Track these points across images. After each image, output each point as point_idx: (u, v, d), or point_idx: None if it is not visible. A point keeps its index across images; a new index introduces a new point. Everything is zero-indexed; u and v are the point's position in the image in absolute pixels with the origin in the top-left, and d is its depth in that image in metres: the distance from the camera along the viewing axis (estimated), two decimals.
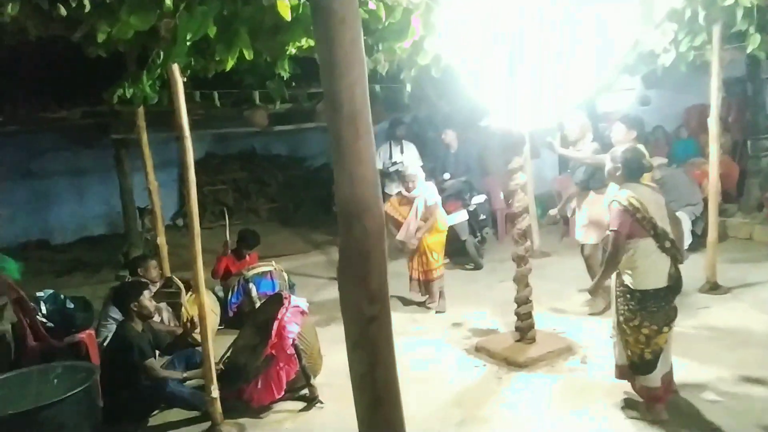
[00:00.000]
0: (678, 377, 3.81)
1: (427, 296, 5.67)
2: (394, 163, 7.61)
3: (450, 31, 4.07)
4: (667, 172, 6.80)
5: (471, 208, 7.03)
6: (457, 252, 7.12)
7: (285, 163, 11.01)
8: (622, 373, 3.52)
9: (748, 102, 7.86)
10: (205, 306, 4.96)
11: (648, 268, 3.28)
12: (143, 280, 4.63)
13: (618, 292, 3.39)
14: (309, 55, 4.90)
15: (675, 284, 3.30)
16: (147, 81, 4.19)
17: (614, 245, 3.28)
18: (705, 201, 5.97)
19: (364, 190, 1.90)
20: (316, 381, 4.14)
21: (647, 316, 3.28)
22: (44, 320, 4.27)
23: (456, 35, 4.07)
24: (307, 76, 6.74)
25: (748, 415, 3.34)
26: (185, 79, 3.45)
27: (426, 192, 5.53)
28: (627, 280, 3.32)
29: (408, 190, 5.54)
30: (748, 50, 4.99)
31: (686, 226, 6.42)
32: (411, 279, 5.67)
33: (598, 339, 4.46)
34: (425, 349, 4.71)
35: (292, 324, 3.77)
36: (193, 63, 4.72)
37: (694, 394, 3.62)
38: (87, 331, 4.32)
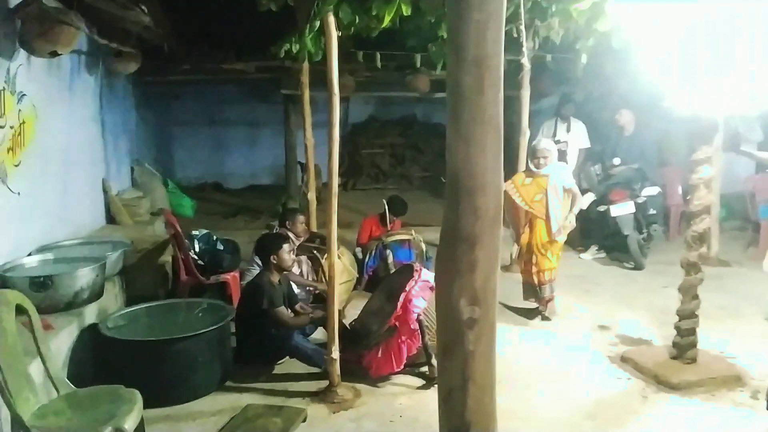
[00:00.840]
0: None
1: (538, 304, 4.82)
2: (558, 142, 7.03)
3: None
4: None
5: (640, 200, 6.27)
6: (617, 247, 6.45)
7: (443, 132, 10.72)
8: None
9: None
10: (341, 266, 5.08)
11: None
12: (287, 233, 4.77)
13: None
14: None
15: None
16: (308, 35, 4.21)
17: None
18: None
19: (481, 159, 1.54)
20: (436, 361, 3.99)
21: None
22: (196, 258, 4.59)
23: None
24: None
25: None
26: (339, 34, 3.36)
27: (560, 173, 4.69)
28: None
29: (537, 166, 4.62)
30: None
31: None
32: (523, 284, 4.83)
33: None
34: (564, 350, 4.29)
35: (419, 298, 3.62)
36: (357, 21, 4.69)
37: None
38: (232, 273, 4.58)
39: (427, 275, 3.87)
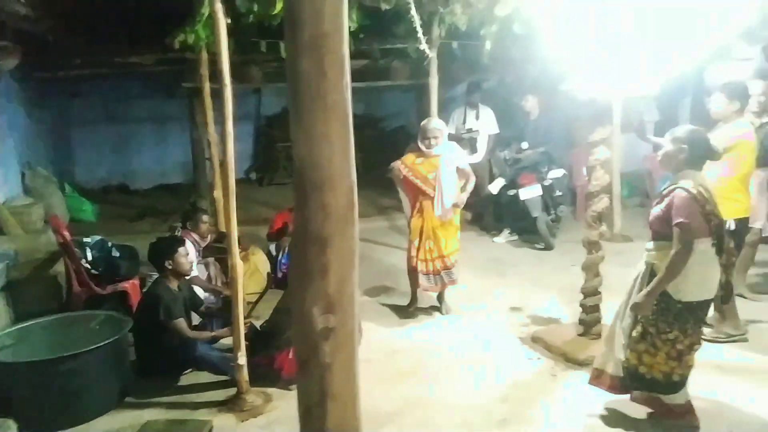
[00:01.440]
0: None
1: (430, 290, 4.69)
2: (469, 130, 7.12)
3: None
4: None
5: (546, 183, 6.45)
6: (528, 229, 6.61)
7: (360, 122, 10.65)
8: (614, 385, 3.08)
9: None
10: (250, 266, 4.90)
11: (701, 276, 2.78)
12: (189, 234, 4.53)
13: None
14: (376, 6, 4.54)
15: (725, 294, 2.86)
16: (200, 23, 3.98)
17: (684, 240, 2.72)
18: None
19: (326, 151, 1.38)
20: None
21: (684, 331, 2.83)
22: (89, 267, 4.27)
23: None
24: (379, 30, 6.36)
25: None
26: (229, 20, 3.17)
27: (452, 152, 4.56)
28: (670, 288, 2.79)
29: (428, 146, 4.44)
30: None
31: None
32: (418, 272, 4.59)
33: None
34: (478, 333, 4.34)
35: None
36: (255, 8, 4.48)
37: None
38: (131, 281, 4.30)
39: None
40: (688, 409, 3.01)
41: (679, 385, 2.93)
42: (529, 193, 6.34)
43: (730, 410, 3.19)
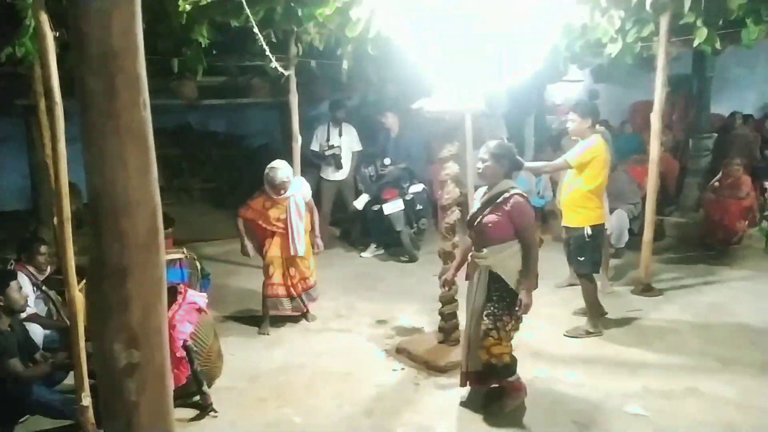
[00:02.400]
0: (606, 387, 3.61)
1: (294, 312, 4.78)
2: (332, 147, 7.18)
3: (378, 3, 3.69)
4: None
5: (408, 198, 6.68)
6: (393, 243, 6.80)
7: (222, 140, 10.42)
8: (469, 378, 3.41)
9: (693, 100, 7.77)
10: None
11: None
12: (25, 267, 4.10)
13: (495, 297, 3.20)
14: (226, 21, 4.45)
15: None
16: (25, 36, 3.64)
17: (532, 239, 3.17)
18: (644, 199, 5.80)
19: (122, 175, 1.29)
20: (216, 385, 3.75)
21: (516, 317, 3.22)
22: None
23: (385, 6, 3.69)
24: (236, 46, 6.23)
25: None
26: (56, 34, 2.93)
27: (299, 189, 4.65)
28: (508, 280, 3.16)
29: (278, 194, 4.50)
30: (695, 44, 4.80)
31: (624, 224, 6.29)
32: (280, 298, 4.66)
33: (527, 345, 4.21)
34: (342, 348, 4.36)
35: (184, 323, 3.35)
36: None
37: (618, 406, 3.40)
38: None
39: (194, 296, 3.61)
40: (521, 385, 3.38)
41: (515, 363, 3.33)
42: (393, 207, 6.52)
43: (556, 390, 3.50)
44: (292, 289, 4.68)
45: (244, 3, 3.45)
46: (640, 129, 8.56)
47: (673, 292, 5.26)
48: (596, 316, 4.43)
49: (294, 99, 5.94)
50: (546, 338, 4.34)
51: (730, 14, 4.52)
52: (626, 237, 6.30)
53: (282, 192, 4.49)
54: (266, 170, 4.51)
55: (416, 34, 3.73)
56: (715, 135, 7.78)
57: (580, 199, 4.27)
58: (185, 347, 3.33)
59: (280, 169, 4.46)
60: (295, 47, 5.61)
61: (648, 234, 5.19)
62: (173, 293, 3.60)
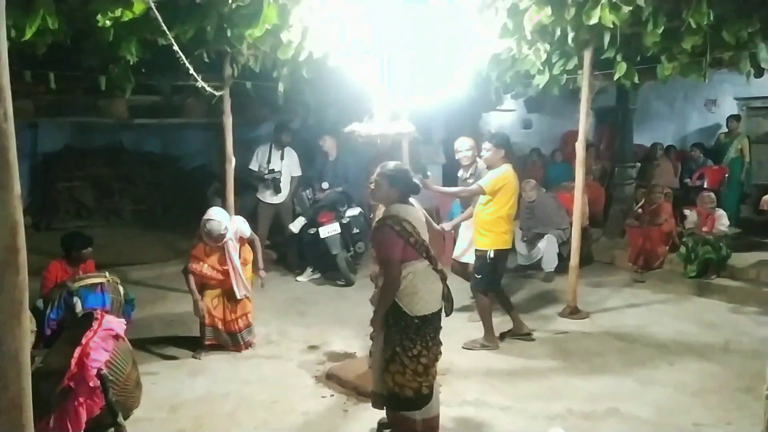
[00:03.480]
0: (532, 410, 3.65)
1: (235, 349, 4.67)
2: (272, 171, 7.08)
3: (309, 26, 3.71)
4: (539, 195, 6.86)
5: (345, 221, 6.67)
6: (329, 266, 6.74)
7: (156, 161, 10.13)
8: (375, 399, 3.33)
9: (618, 131, 8.18)
10: None
11: (427, 291, 3.12)
12: None
13: (391, 321, 3.13)
14: (154, 38, 4.35)
15: (448, 305, 3.22)
16: None
17: (391, 272, 3.04)
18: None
19: None
20: (134, 416, 3.57)
21: (426, 344, 3.11)
22: None
23: (315, 31, 3.71)
24: (170, 65, 6.11)
25: None
26: None
27: (237, 226, 4.66)
28: (405, 307, 3.07)
29: (216, 243, 4.49)
30: (615, 77, 5.06)
31: (553, 249, 6.49)
32: (214, 326, 4.58)
33: (458, 369, 4.24)
34: (273, 375, 4.25)
35: (98, 350, 3.18)
36: (14, 34, 4.01)
37: (542, 428, 3.44)
38: None
39: (111, 322, 3.45)
40: (435, 425, 3.22)
41: (428, 397, 3.16)
42: (329, 231, 6.49)
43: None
44: (232, 324, 4.61)
45: (163, 22, 3.36)
46: (569, 157, 8.88)
47: (599, 314, 5.44)
48: (491, 331, 4.66)
49: (228, 120, 5.85)
50: (476, 363, 4.38)
51: (647, 51, 4.81)
52: (556, 261, 6.50)
53: (221, 240, 4.49)
54: (203, 221, 4.49)
55: (347, 57, 3.79)
56: (638, 164, 8.20)
57: (490, 223, 4.51)
58: (99, 376, 3.15)
59: (216, 221, 4.44)
60: (229, 68, 5.56)
61: (574, 259, 5.37)
62: (89, 319, 3.42)
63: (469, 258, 5.02)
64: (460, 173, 5.27)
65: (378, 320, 3.15)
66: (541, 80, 5.37)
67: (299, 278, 6.85)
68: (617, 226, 7.52)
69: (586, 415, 3.60)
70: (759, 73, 4.81)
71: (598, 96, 7.38)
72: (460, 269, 5.32)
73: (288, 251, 7.33)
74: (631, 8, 3.47)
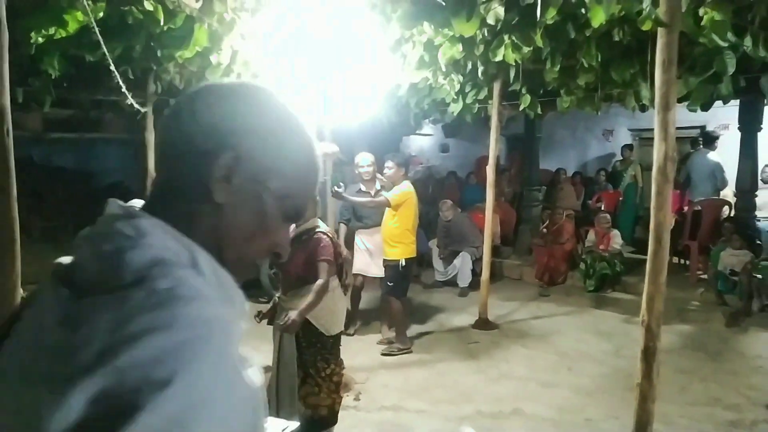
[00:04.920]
0: (445, 412, 3.93)
1: None
2: None
3: (239, 50, 3.89)
4: (455, 215, 7.28)
5: None
6: (252, 284, 6.78)
7: (68, 177, 9.78)
8: None
9: (526, 157, 8.81)
10: None
11: (341, 309, 3.33)
12: None
13: (305, 342, 3.14)
14: (79, 53, 4.36)
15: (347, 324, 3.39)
16: None
17: (327, 275, 3.13)
18: None
19: None
20: None
21: (336, 361, 3.23)
22: None
23: (244, 54, 3.89)
24: (90, 79, 6.04)
25: None
26: None
27: None
28: (321, 326, 3.13)
29: None
30: (521, 108, 5.54)
31: (468, 265, 6.89)
32: None
33: (377, 377, 4.46)
34: None
35: None
36: None
37: (454, 429, 3.72)
38: None
39: None
40: None
41: (337, 412, 3.26)
42: None
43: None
44: None
45: (102, 40, 3.45)
46: (483, 180, 9.44)
47: (507, 325, 5.85)
48: (404, 333, 5.01)
49: (151, 137, 5.85)
50: (394, 371, 4.62)
51: (548, 85, 5.32)
52: (470, 277, 6.91)
53: None
54: None
55: (275, 78, 3.99)
56: (544, 188, 8.86)
57: (399, 235, 4.89)
58: None
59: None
60: (153, 85, 5.59)
61: (485, 273, 5.77)
62: None
63: (377, 272, 5.26)
64: (361, 187, 5.37)
65: (300, 320, 3.06)
66: (455, 108, 5.78)
67: None
68: (525, 245, 8.07)
69: (494, 415, 3.92)
70: (642, 108, 5.44)
71: (510, 124, 7.99)
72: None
73: None
74: (530, 48, 3.88)
